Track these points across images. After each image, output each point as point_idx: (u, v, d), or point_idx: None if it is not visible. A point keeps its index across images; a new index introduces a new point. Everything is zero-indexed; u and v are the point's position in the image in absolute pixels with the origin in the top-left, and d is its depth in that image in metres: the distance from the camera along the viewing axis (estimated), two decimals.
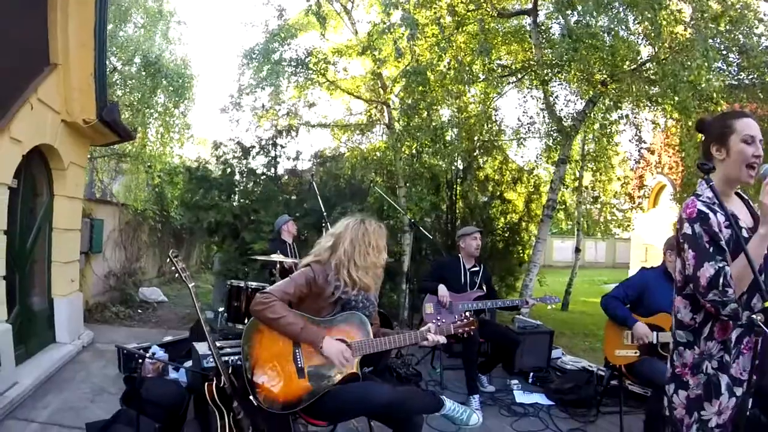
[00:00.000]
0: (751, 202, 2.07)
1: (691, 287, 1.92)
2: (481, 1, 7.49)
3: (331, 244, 2.75)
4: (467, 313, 3.00)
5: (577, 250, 13.36)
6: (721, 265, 1.80)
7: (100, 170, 10.46)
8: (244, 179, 9.25)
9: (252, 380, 2.55)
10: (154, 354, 4.56)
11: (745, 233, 1.89)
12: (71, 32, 5.20)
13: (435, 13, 7.17)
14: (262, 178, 9.26)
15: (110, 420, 3.16)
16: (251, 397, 2.55)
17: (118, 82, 9.37)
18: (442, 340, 2.81)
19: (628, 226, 12.49)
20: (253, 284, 5.58)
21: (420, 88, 7.44)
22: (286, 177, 9.72)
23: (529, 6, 8.00)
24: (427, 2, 6.98)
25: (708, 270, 1.80)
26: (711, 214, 1.87)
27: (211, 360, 3.28)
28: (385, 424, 2.66)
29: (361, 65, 9.57)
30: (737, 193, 2.05)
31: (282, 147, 9.41)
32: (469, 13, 7.43)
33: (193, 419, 3.51)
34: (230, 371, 2.90)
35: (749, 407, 1.99)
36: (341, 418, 2.82)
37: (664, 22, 5.60)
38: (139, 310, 8.49)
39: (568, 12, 6.60)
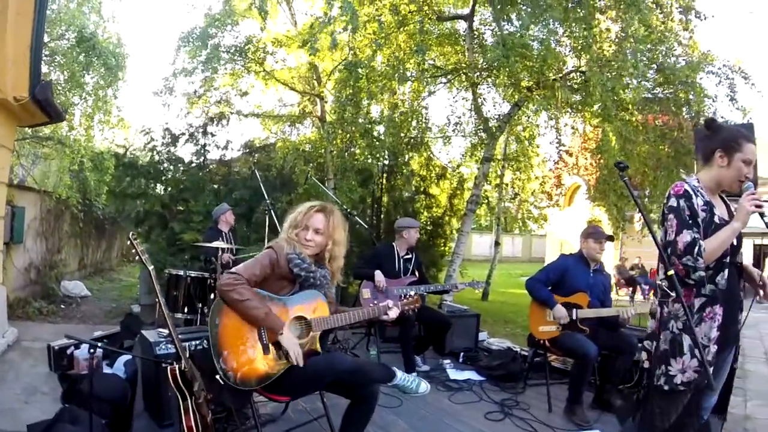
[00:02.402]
0: (730, 204, 2.48)
1: (668, 254, 2.27)
2: (421, 3, 7.81)
3: (285, 226, 2.91)
4: (412, 293, 3.30)
5: (497, 243, 14.07)
6: (696, 235, 2.19)
7: (20, 154, 9.69)
8: (172, 167, 9.04)
9: (219, 358, 2.58)
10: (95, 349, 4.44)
11: (717, 220, 2.29)
12: None
13: (377, 10, 7.42)
14: (191, 166, 9.09)
15: (53, 420, 3.01)
16: (218, 376, 2.58)
17: (44, 58, 8.74)
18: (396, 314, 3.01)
19: (545, 222, 13.41)
20: (193, 273, 5.60)
21: (360, 81, 7.66)
22: (215, 166, 9.62)
23: (466, 12, 8.40)
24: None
25: (686, 236, 2.17)
26: (694, 196, 2.28)
27: (164, 347, 3.34)
28: (345, 395, 2.77)
29: (296, 57, 9.63)
30: (720, 196, 2.46)
31: (212, 135, 9.30)
32: (410, 14, 7.74)
33: (144, 411, 3.47)
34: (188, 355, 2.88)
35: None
36: (304, 391, 2.90)
37: (597, 38, 6.20)
38: (62, 306, 8.08)
39: (504, 23, 7.06)
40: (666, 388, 2.25)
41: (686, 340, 2.23)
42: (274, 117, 10.50)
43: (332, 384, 2.76)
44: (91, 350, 2.80)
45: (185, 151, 9.22)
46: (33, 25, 5.06)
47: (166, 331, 3.48)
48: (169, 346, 3.33)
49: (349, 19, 6.30)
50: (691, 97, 6.76)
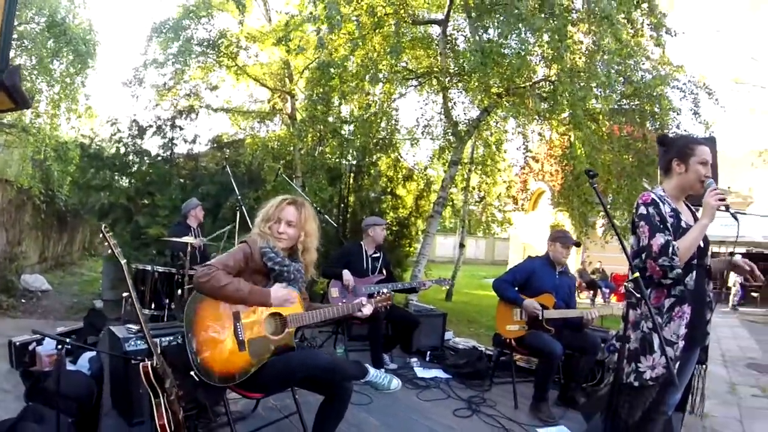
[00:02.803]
0: (694, 211, 2.63)
1: (641, 259, 2.39)
2: (398, 6, 7.89)
3: (258, 220, 2.92)
4: (385, 290, 3.35)
5: (461, 245, 14.26)
6: (669, 237, 2.32)
7: None
8: (139, 160, 8.87)
9: (195, 354, 2.57)
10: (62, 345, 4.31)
11: (684, 225, 2.43)
12: None
13: (355, 10, 7.45)
14: (157, 160, 8.93)
15: (17, 419, 2.92)
16: (193, 372, 2.57)
17: (12, 42, 8.30)
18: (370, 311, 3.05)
19: (509, 225, 13.67)
20: (160, 268, 5.52)
21: (332, 81, 7.67)
22: (182, 160, 9.48)
23: (441, 17, 8.50)
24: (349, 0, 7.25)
25: (659, 239, 2.29)
26: (661, 204, 2.41)
27: (134, 343, 3.26)
28: (318, 392, 2.80)
29: (268, 54, 9.57)
30: (685, 203, 2.60)
31: (181, 129, 9.16)
32: (386, 17, 7.80)
33: (112, 409, 3.41)
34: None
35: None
36: (278, 387, 2.91)
37: (570, 49, 6.39)
38: (23, 300, 7.80)
39: (480, 30, 7.19)
40: (636, 384, 2.37)
41: (656, 339, 2.35)
42: (244, 112, 10.39)
43: (306, 380, 2.77)
44: (59, 346, 2.74)
45: (152, 144, 9.06)
46: (4, 7, 4.98)
47: (135, 327, 3.44)
48: (139, 342, 3.27)
49: (326, 16, 6.31)
50: (656, 109, 7.02)
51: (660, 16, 6.88)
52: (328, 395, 2.77)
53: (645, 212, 2.39)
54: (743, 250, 17.84)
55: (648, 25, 7.05)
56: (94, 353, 3.93)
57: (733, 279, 15.46)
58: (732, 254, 2.64)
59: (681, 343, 2.39)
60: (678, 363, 2.43)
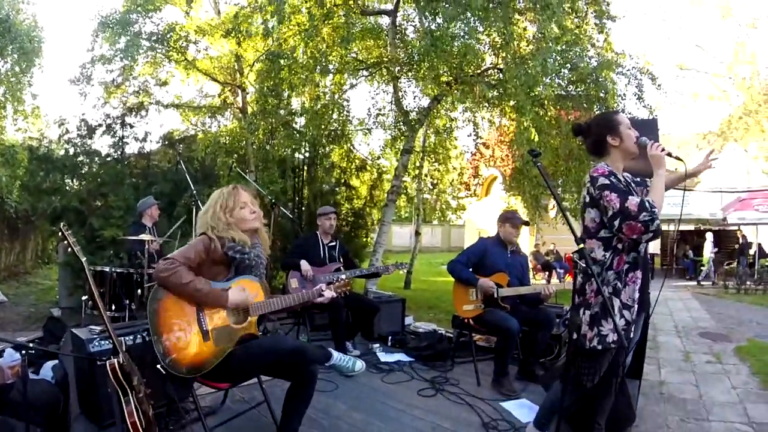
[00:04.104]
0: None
1: (605, 232, 2.51)
2: None
3: (201, 218, 2.94)
4: (343, 276, 3.42)
5: (417, 234, 14.42)
6: (640, 196, 2.45)
7: None
8: (89, 161, 8.61)
9: (161, 348, 2.59)
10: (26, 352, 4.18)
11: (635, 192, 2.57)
12: None
13: (305, 1, 7.43)
14: (108, 159, 8.69)
15: None
16: (160, 366, 2.58)
17: None
18: (334, 294, 3.14)
19: (463, 212, 13.93)
20: (119, 269, 5.44)
21: (282, 73, 7.65)
22: (134, 159, 9.24)
23: (390, 7, 8.59)
24: None
25: (633, 199, 2.39)
26: (613, 175, 2.53)
27: (98, 343, 3.23)
28: (285, 378, 2.84)
29: (216, 47, 9.42)
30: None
31: (131, 127, 8.92)
32: (336, 8, 7.81)
33: (80, 414, 3.36)
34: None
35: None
36: (246, 375, 2.95)
37: (515, 36, 6.56)
38: None
39: (429, 17, 7.28)
40: (600, 347, 2.51)
41: (616, 302, 2.52)
42: (195, 108, 10.22)
43: (273, 366, 2.80)
44: (23, 352, 2.68)
45: (102, 144, 8.79)
46: None
47: (98, 328, 3.41)
48: (103, 342, 3.24)
49: (274, 10, 6.28)
50: (602, 94, 7.30)
51: (603, 4, 7.14)
52: (294, 380, 2.81)
53: (607, 182, 2.49)
54: (692, 227, 18.83)
55: (592, 13, 7.31)
56: (56, 362, 3.83)
57: (708, 254, 16.15)
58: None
59: (635, 307, 2.57)
60: (635, 325, 2.61)
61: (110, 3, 15.03)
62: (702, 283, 15.49)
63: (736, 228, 18.04)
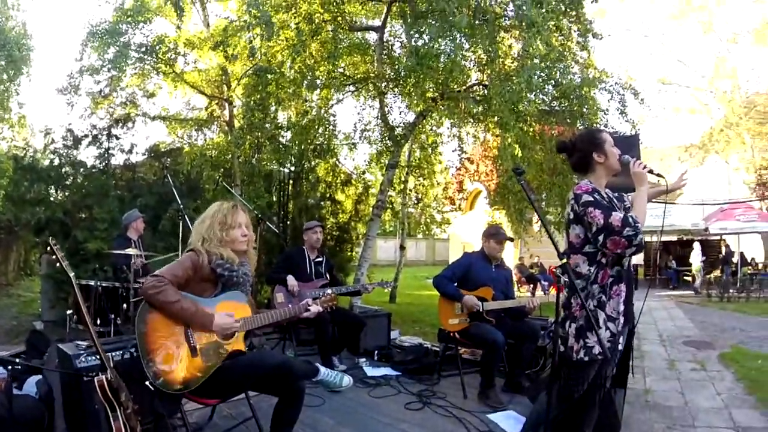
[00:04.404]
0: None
1: (589, 247, 2.56)
2: (335, 14, 7.99)
3: (197, 227, 2.96)
4: (329, 291, 3.44)
5: (402, 247, 14.46)
6: (623, 212, 2.51)
7: None
8: (74, 171, 8.50)
9: (149, 364, 2.58)
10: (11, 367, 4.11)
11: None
12: None
13: (294, 17, 7.49)
14: (93, 171, 8.58)
15: None
16: (148, 382, 2.57)
17: None
18: (320, 309, 3.16)
19: (447, 226, 14.01)
20: (104, 283, 5.40)
21: (269, 87, 7.68)
22: (119, 171, 9.13)
23: (378, 23, 8.69)
24: (287, 7, 7.27)
25: (617, 215, 2.45)
26: (597, 192, 2.59)
27: (85, 359, 3.18)
28: (273, 393, 2.83)
29: (204, 60, 9.42)
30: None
31: (117, 138, 8.83)
32: (324, 23, 7.88)
33: (65, 430, 3.30)
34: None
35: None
36: (234, 391, 2.94)
37: (500, 53, 6.68)
38: None
39: (416, 35, 7.38)
40: (586, 359, 2.56)
41: (601, 315, 2.58)
42: (182, 120, 10.19)
43: (260, 382, 2.81)
44: (9, 367, 2.66)
45: (87, 155, 8.74)
46: None
47: (84, 343, 3.36)
48: (90, 358, 3.19)
49: (262, 30, 6.33)
50: (585, 110, 7.43)
51: (587, 23, 7.29)
52: (282, 396, 2.80)
53: (591, 199, 2.54)
54: (674, 237, 19.15)
55: (576, 31, 7.47)
56: (39, 377, 3.76)
57: (697, 265, 16.39)
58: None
59: (621, 319, 2.62)
60: (621, 336, 2.66)
61: (100, 13, 14.92)
62: (700, 291, 15.58)
63: (718, 238, 18.35)
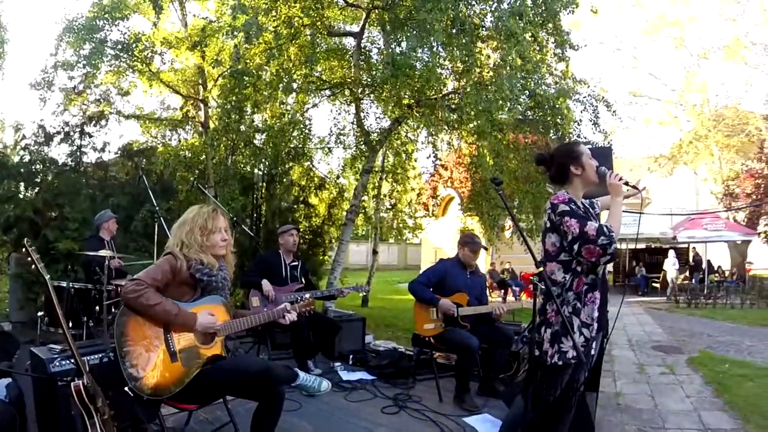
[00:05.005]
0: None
1: (565, 255, 2.64)
2: (315, 18, 8.00)
3: (176, 231, 2.92)
4: (307, 296, 3.43)
5: (375, 252, 14.49)
6: (599, 221, 2.61)
7: None
8: (44, 169, 8.30)
9: (128, 369, 2.55)
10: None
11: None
12: None
13: (273, 21, 7.47)
14: (65, 169, 8.41)
15: None
16: (127, 388, 2.54)
17: None
18: (295, 317, 3.17)
19: (420, 231, 14.08)
20: (76, 285, 5.32)
21: (246, 90, 7.65)
22: (91, 169, 8.99)
23: (356, 29, 8.73)
24: (266, 11, 7.25)
25: (592, 225, 2.53)
26: (573, 203, 2.66)
27: (59, 363, 3.12)
28: (253, 398, 2.82)
29: (180, 59, 9.32)
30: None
31: (90, 136, 8.70)
32: (303, 28, 7.89)
33: None
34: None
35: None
36: (213, 396, 2.92)
37: (477, 63, 6.79)
38: None
39: (393, 44, 7.45)
40: (560, 363, 2.64)
41: (575, 321, 2.66)
42: (156, 120, 10.07)
43: (240, 387, 2.80)
44: None
45: (59, 152, 8.49)
46: None
47: (58, 347, 3.30)
48: (64, 362, 3.13)
49: (243, 26, 6.31)
50: (558, 120, 7.58)
51: (564, 35, 7.46)
52: (262, 400, 2.79)
53: (567, 209, 2.63)
54: (643, 245, 19.65)
55: (553, 42, 7.64)
56: (9, 380, 3.63)
57: (672, 273, 16.78)
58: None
59: (595, 325, 2.72)
60: (595, 342, 2.76)
61: (77, 7, 14.62)
62: (671, 297, 15.90)
63: (686, 246, 18.86)
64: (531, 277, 2.82)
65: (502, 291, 14.49)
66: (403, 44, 6.94)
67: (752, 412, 4.51)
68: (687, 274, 17.30)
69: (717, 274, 17.46)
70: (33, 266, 2.69)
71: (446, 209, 19.81)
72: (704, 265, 17.31)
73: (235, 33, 6.75)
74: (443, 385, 4.63)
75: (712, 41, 24.33)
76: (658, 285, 17.71)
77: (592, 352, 2.78)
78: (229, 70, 7.88)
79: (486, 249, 5.22)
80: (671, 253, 17.19)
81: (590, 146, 3.72)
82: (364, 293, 6.58)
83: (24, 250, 2.70)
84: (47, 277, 2.71)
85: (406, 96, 7.81)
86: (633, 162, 20.91)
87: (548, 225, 2.74)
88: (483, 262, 16.56)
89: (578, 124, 7.88)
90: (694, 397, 5.07)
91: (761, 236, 17.43)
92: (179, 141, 10.18)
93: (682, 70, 20.32)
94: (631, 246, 18.40)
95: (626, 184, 2.77)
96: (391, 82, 6.78)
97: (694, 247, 18.98)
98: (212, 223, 2.91)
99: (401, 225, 14.43)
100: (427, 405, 4.32)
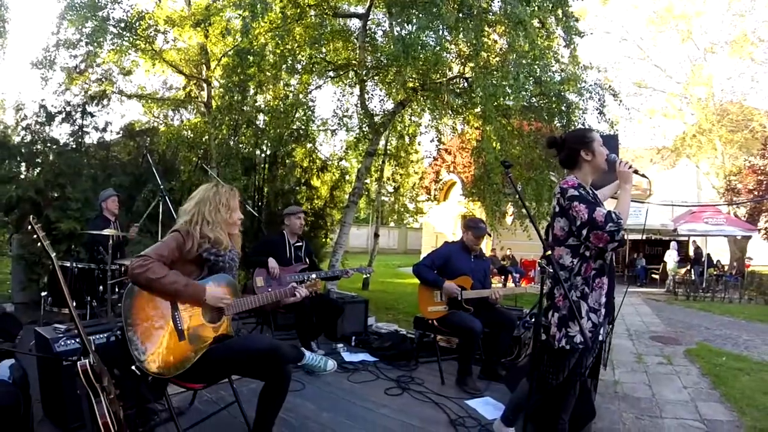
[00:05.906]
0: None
1: (573, 240, 2.66)
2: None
3: (188, 207, 2.89)
4: (313, 276, 3.44)
5: (376, 235, 14.51)
6: (607, 208, 2.60)
7: None
8: (46, 149, 8.22)
9: (135, 349, 2.51)
10: None
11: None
12: None
13: (279, 1, 7.40)
14: (66, 149, 8.34)
15: None
16: (134, 367, 2.50)
17: None
18: (307, 293, 3.21)
19: (421, 216, 14.11)
20: (80, 264, 5.31)
21: (250, 69, 7.60)
22: (93, 149, 8.90)
23: (362, 11, 8.66)
24: None
25: (600, 211, 2.55)
26: (582, 188, 2.68)
27: (64, 343, 3.12)
28: (259, 377, 2.80)
29: (183, 38, 9.24)
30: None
31: (92, 116, 8.60)
32: (309, 8, 7.82)
33: (44, 417, 3.24)
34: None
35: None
36: (220, 375, 2.91)
37: (484, 47, 6.74)
38: None
39: (401, 24, 7.38)
40: (568, 347, 2.67)
41: (583, 306, 2.68)
42: (158, 99, 10.00)
43: (247, 366, 2.78)
44: None
45: (61, 132, 8.43)
46: None
47: (63, 327, 3.30)
48: (69, 341, 3.13)
49: (249, 4, 6.24)
50: (563, 108, 7.56)
51: (572, 20, 7.39)
52: (269, 380, 2.77)
53: (577, 194, 2.64)
54: (644, 236, 19.70)
55: (560, 28, 7.56)
56: (12, 361, 3.63)
57: (672, 265, 16.82)
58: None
59: (602, 311, 2.73)
60: (602, 327, 2.78)
61: None
62: (671, 289, 15.95)
63: (686, 239, 18.90)
64: (538, 261, 2.84)
65: (502, 277, 14.55)
66: (409, 26, 6.88)
67: (748, 405, 4.55)
68: (688, 267, 17.31)
69: (716, 268, 17.49)
70: (38, 243, 2.68)
71: (448, 194, 19.82)
72: (704, 259, 17.34)
73: (240, 10, 6.66)
74: (445, 368, 4.68)
75: (719, 36, 24.16)
76: (657, 276, 17.77)
77: (600, 337, 2.80)
78: (233, 49, 7.81)
79: (489, 235, 5.23)
80: (673, 244, 17.22)
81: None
82: (368, 275, 6.60)
83: (30, 227, 2.69)
84: (53, 254, 2.70)
85: (411, 79, 7.76)
86: (635, 153, 20.87)
87: (557, 209, 2.74)
88: (484, 248, 16.59)
89: (583, 113, 7.85)
90: (691, 388, 5.11)
91: (761, 232, 17.42)
92: (182, 121, 10.12)
93: (688, 63, 20.19)
94: (632, 237, 18.40)
95: (636, 172, 2.77)
96: (397, 63, 6.72)
97: (694, 240, 18.97)
98: (233, 201, 2.93)
99: (402, 209, 14.42)
100: (429, 387, 4.37)
